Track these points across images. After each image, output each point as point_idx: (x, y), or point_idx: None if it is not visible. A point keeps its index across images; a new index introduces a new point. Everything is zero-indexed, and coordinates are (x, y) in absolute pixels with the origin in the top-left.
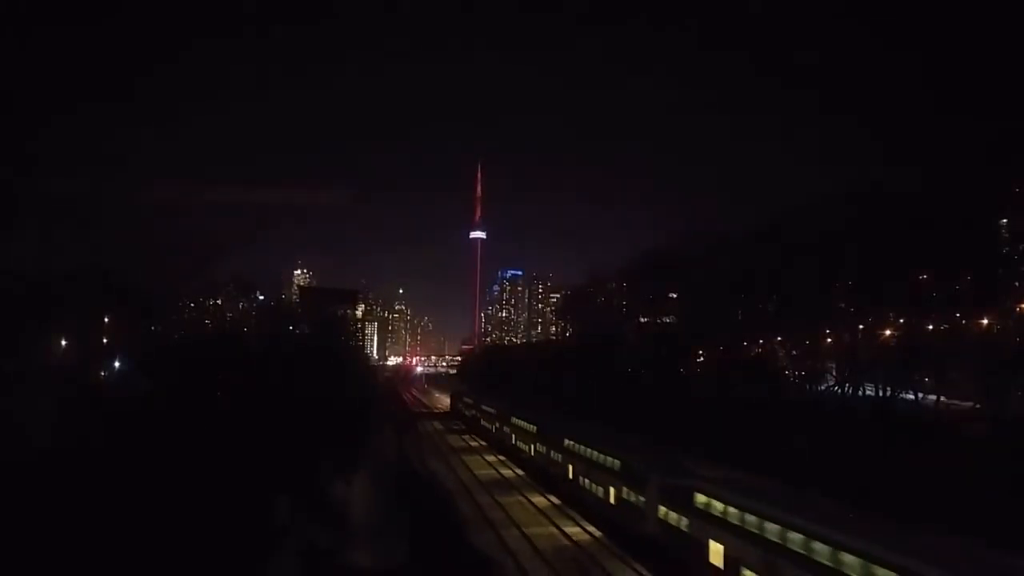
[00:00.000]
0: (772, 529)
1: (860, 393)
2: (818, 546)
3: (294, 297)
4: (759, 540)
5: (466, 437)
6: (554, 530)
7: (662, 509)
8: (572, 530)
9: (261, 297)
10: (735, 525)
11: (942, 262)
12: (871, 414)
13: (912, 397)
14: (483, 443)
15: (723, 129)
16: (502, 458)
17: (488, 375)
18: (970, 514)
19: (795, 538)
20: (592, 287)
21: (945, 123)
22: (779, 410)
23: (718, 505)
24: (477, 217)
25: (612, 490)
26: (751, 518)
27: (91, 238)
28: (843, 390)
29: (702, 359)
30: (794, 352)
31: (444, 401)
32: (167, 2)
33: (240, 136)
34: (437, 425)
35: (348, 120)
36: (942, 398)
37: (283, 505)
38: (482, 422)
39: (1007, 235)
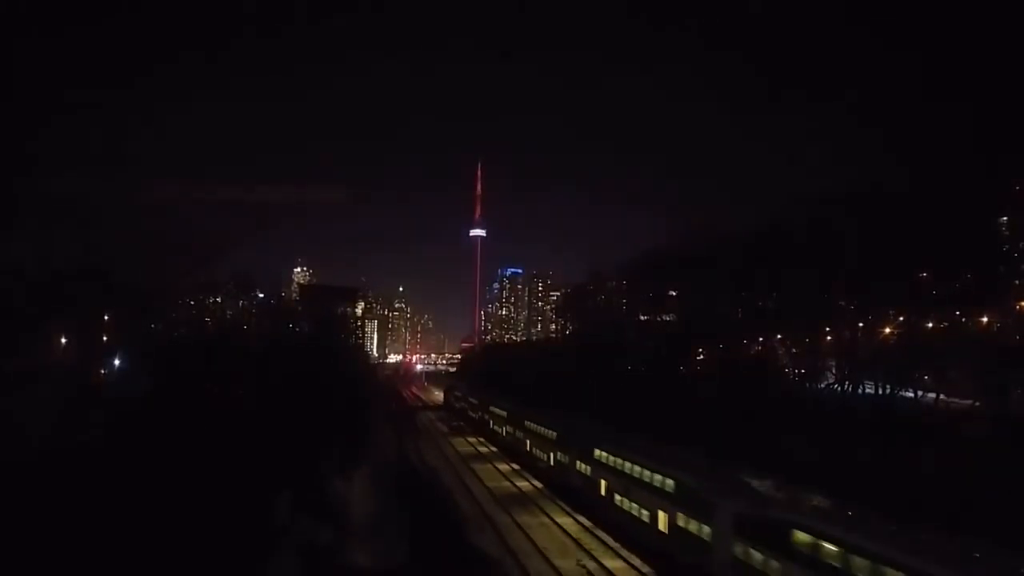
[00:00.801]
0: (625, 466)
1: (860, 391)
2: (645, 472)
3: (294, 295)
4: (620, 474)
5: (454, 424)
6: (508, 484)
7: (579, 463)
8: (522, 484)
9: (261, 295)
10: (610, 467)
11: (942, 260)
12: (871, 412)
13: (911, 395)
14: (469, 428)
15: (723, 128)
16: (482, 439)
17: (487, 373)
18: (970, 513)
19: (635, 469)
20: (592, 285)
21: (945, 121)
22: (778, 408)
23: (604, 455)
24: (477, 215)
25: (551, 455)
26: (617, 461)
27: (91, 237)
28: (843, 388)
29: (702, 357)
30: (794, 350)
31: (441, 397)
32: (167, 2)
33: (240, 135)
34: (431, 415)
35: (348, 119)
36: (942, 396)
37: (284, 503)
38: (469, 412)
39: (1007, 233)
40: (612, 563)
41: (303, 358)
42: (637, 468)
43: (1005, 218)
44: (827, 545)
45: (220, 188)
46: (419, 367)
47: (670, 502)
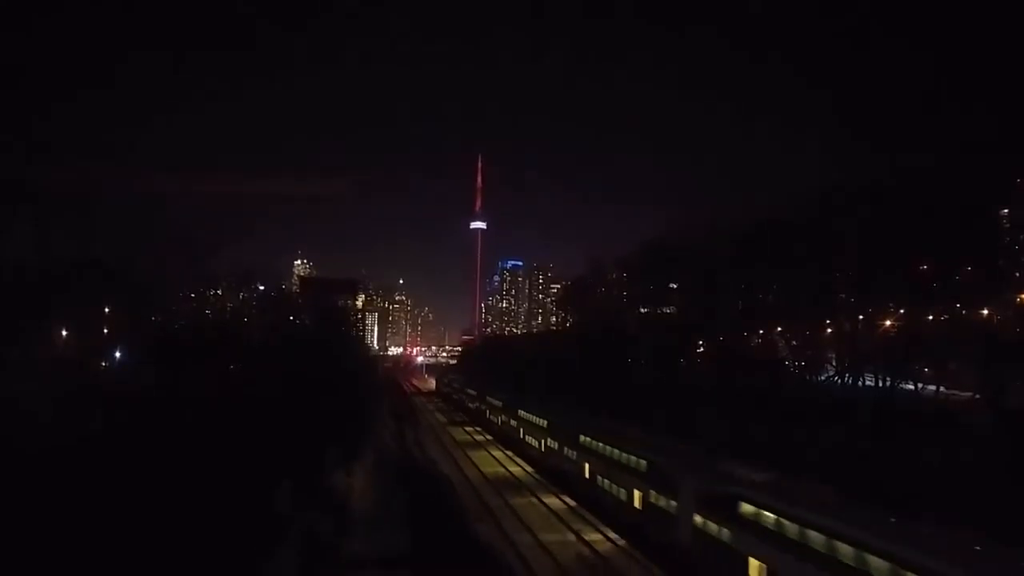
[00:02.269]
0: (532, 417)
1: (860, 383)
2: (538, 419)
3: (294, 288)
4: (528, 423)
5: (441, 405)
6: (470, 437)
7: (511, 420)
8: (479, 438)
9: (262, 288)
10: (528, 420)
11: (943, 252)
12: (873, 404)
13: (912, 387)
14: (451, 407)
15: (724, 120)
16: (460, 413)
17: (487, 365)
18: (970, 506)
19: (534, 418)
20: (592, 278)
21: (946, 113)
22: (778, 400)
23: (525, 414)
24: (477, 207)
25: (499, 417)
26: (526, 414)
27: (90, 228)
28: (843, 380)
29: (702, 349)
30: (794, 342)
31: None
32: None
33: (242, 129)
34: (423, 399)
35: (350, 114)
36: (942, 388)
37: (286, 493)
38: (452, 395)
39: (1008, 225)
40: (513, 468)
41: (304, 351)
42: (535, 417)
43: (1006, 211)
44: (590, 440)
45: (221, 180)
46: (420, 359)
47: (546, 434)
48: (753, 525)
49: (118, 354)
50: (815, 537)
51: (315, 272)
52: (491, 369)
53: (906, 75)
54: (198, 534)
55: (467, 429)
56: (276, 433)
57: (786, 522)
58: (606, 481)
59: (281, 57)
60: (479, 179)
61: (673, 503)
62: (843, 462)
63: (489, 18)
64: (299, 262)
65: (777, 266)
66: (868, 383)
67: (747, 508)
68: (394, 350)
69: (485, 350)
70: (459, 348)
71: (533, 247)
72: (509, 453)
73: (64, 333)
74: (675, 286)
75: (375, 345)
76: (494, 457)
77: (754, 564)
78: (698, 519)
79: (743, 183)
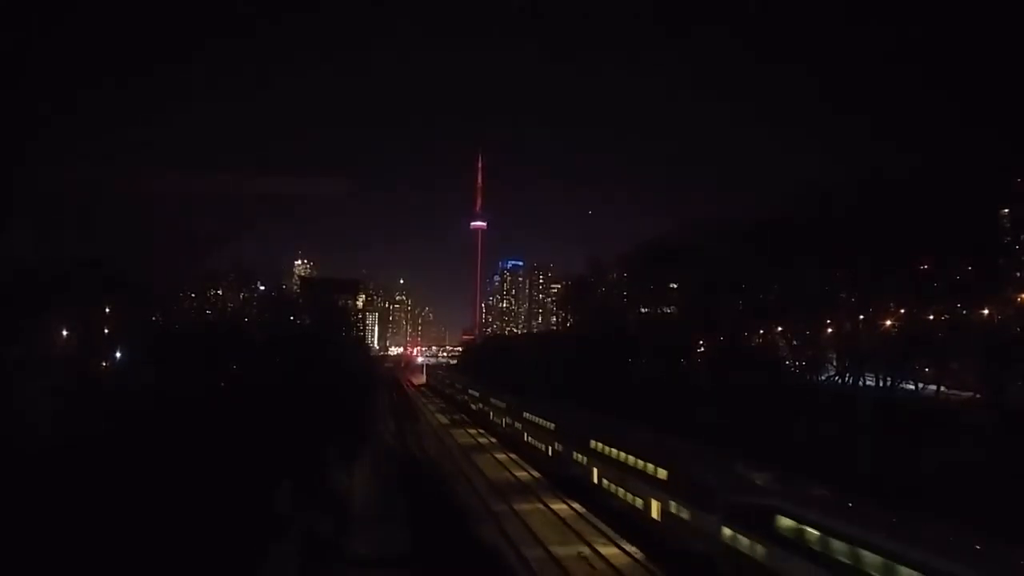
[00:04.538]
0: (493, 401)
1: (860, 383)
2: (498, 402)
3: (295, 287)
4: (501, 407)
5: (433, 396)
6: (453, 422)
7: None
8: (472, 431)
9: (262, 287)
10: (498, 405)
11: (943, 251)
12: (873, 404)
13: (912, 387)
14: (442, 401)
15: (724, 117)
16: (453, 406)
17: (487, 364)
18: (970, 505)
19: (497, 404)
20: (593, 277)
21: (947, 111)
22: (779, 400)
23: (472, 393)
24: (478, 207)
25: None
26: (498, 403)
27: (90, 228)
28: (843, 380)
29: (703, 348)
30: (795, 342)
31: (434, 385)
32: None
33: (241, 126)
34: (418, 391)
35: (351, 112)
36: (942, 388)
37: (287, 491)
38: (437, 387)
39: (1008, 224)
40: (482, 438)
41: (305, 350)
42: (500, 403)
43: (1007, 210)
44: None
45: (220, 178)
46: (420, 359)
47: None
48: None
49: (118, 354)
50: None
51: (315, 272)
52: (492, 370)
53: (907, 74)
54: (198, 534)
55: (462, 426)
56: (276, 432)
57: None
58: None
59: (281, 57)
60: (479, 178)
61: None
62: (842, 460)
63: (490, 17)
64: (299, 262)
65: (777, 266)
66: (869, 383)
67: None
68: (395, 350)
69: (485, 350)
70: (459, 348)
71: (533, 247)
72: (484, 432)
73: (64, 333)
74: (675, 286)
75: (376, 345)
76: (469, 434)
77: None
78: None
79: (744, 182)
